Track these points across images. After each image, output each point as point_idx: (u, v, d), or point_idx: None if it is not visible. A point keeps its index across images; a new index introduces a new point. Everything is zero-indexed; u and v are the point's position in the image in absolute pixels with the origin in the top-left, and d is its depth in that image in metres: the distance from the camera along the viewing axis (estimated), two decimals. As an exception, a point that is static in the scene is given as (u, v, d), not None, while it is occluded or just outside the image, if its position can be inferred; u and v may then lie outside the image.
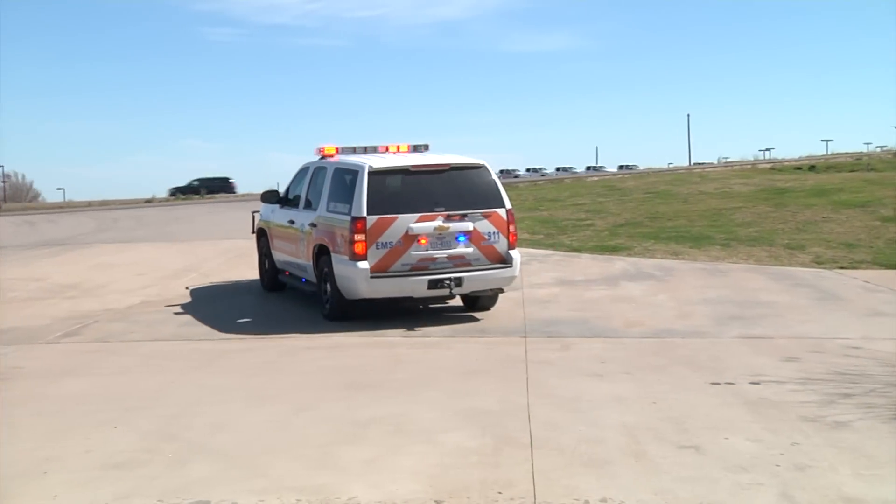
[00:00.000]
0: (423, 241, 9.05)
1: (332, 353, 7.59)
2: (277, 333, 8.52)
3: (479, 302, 9.83)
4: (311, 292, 10.15)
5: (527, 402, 5.81)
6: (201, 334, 8.58)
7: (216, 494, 4.30)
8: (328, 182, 10.11)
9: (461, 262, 9.21)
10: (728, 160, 78.43)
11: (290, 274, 11.09)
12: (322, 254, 9.68)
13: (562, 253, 14.46)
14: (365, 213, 9.01)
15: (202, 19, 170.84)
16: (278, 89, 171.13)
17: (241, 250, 15.74)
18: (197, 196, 53.18)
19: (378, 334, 8.37)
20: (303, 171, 11.35)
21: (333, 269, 9.28)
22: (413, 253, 9.07)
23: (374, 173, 9.29)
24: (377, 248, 9.01)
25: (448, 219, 9.16)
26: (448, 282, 9.03)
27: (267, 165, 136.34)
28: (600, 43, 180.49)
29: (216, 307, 10.27)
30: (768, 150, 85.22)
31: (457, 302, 9.93)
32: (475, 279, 9.22)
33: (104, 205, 45.78)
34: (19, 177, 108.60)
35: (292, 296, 10.96)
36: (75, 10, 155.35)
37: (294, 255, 10.78)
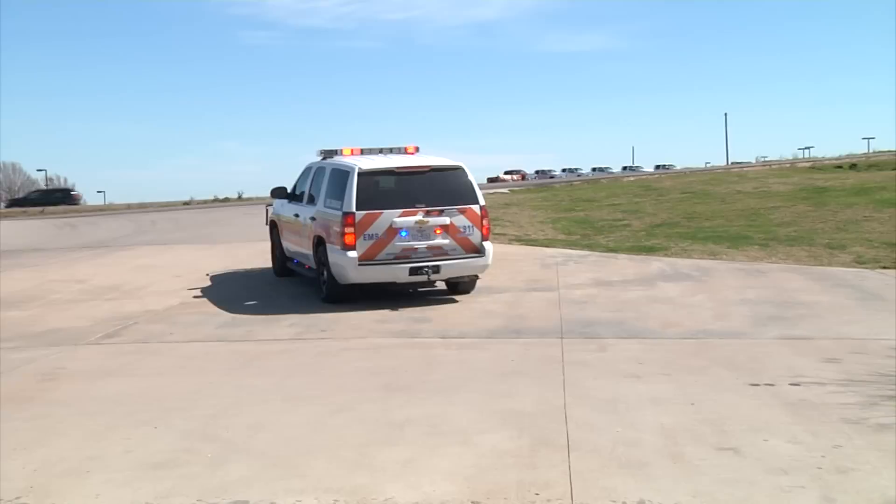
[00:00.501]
0: (401, 234, 10.35)
1: (369, 355, 7.62)
2: (313, 336, 8.57)
3: (458, 287, 11.15)
4: (312, 278, 11.42)
5: (563, 403, 5.79)
6: (239, 335, 8.66)
7: (254, 494, 4.33)
8: (326, 180, 11.42)
9: (439, 252, 10.50)
10: (766, 159, 77.47)
11: (297, 262, 12.53)
12: (320, 244, 10.96)
13: (598, 253, 14.38)
14: (354, 209, 10.28)
15: (239, 23, 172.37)
16: (315, 91, 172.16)
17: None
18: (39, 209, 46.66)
19: (414, 335, 8.38)
20: (307, 171, 12.71)
21: (328, 257, 10.63)
22: (396, 243, 10.36)
23: (363, 174, 10.57)
24: (364, 240, 10.28)
25: (427, 214, 10.44)
26: (427, 269, 10.34)
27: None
28: (637, 43, 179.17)
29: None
30: (808, 148, 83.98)
31: (441, 286, 11.18)
32: (451, 267, 10.56)
33: (143, 207, 46.34)
34: (61, 180, 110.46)
35: (299, 282, 12.20)
36: (115, 15, 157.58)
37: (299, 245, 12.27)
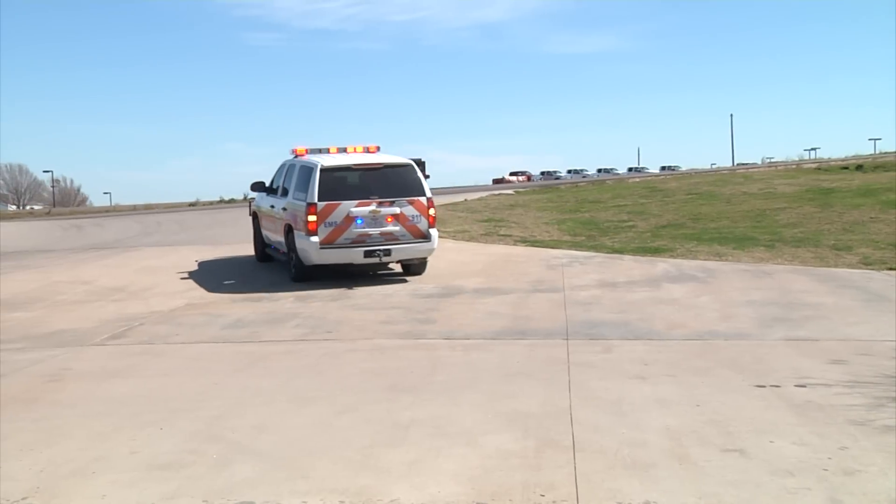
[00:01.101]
0: (357, 222, 12.15)
1: (373, 356, 7.62)
2: (318, 337, 8.57)
3: (411, 269, 13.04)
4: (284, 261, 13.35)
5: (569, 405, 5.79)
6: (244, 336, 8.67)
7: (259, 495, 4.33)
8: (295, 176, 13.19)
9: (390, 237, 12.27)
10: (772, 160, 77.38)
11: (273, 248, 14.40)
12: (290, 231, 12.79)
13: (603, 255, 14.37)
14: (316, 200, 12.06)
15: (244, 24, 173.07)
16: (320, 93, 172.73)
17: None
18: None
19: (419, 336, 8.38)
20: (281, 167, 14.47)
21: (295, 242, 12.47)
22: (353, 230, 12.15)
23: (324, 170, 12.35)
24: (325, 226, 12.06)
25: (380, 204, 12.22)
26: (379, 252, 12.15)
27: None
28: (642, 44, 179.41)
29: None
30: (814, 149, 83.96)
31: (397, 267, 13.29)
32: (401, 251, 12.38)
33: (148, 208, 46.44)
34: (68, 181, 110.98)
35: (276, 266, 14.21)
36: (122, 17, 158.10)
37: (274, 232, 14.01)
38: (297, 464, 4.81)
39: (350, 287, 10.99)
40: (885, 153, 63.66)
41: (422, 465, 4.72)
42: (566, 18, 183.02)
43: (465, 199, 29.72)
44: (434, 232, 12.58)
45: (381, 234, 12.24)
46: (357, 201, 12.19)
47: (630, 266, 12.87)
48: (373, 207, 12.20)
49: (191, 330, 9.13)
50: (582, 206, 24.99)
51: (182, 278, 13.32)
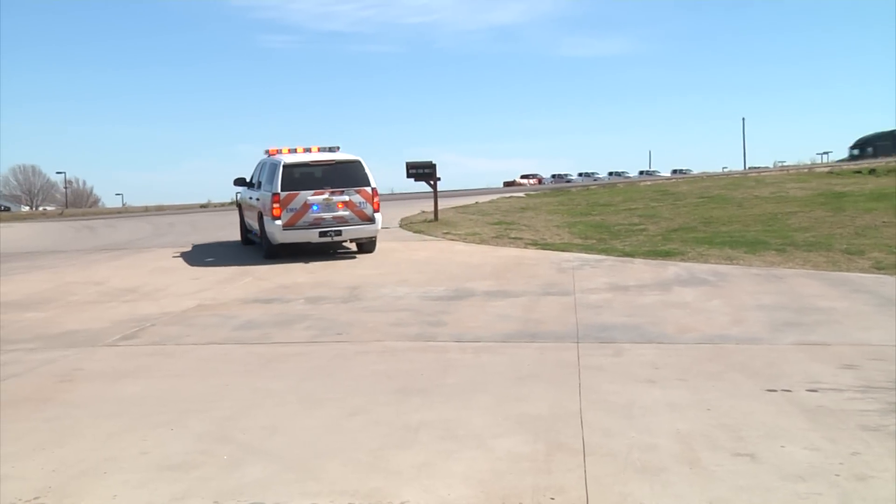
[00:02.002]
0: (312, 208, 15.05)
1: (384, 358, 7.63)
2: (329, 339, 8.59)
3: (363, 247, 16.16)
4: (259, 243, 16.37)
5: (579, 408, 5.78)
6: (255, 338, 8.69)
7: (270, 497, 4.35)
8: (266, 171, 16.19)
9: (341, 220, 15.21)
10: (784, 164, 77.12)
11: (253, 234, 17.21)
12: (261, 217, 15.72)
13: (614, 258, 14.34)
14: (280, 190, 14.99)
15: (259, 26, 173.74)
16: (333, 95, 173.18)
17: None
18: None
19: (430, 339, 8.38)
20: (258, 165, 17.70)
21: (264, 226, 15.46)
22: (310, 215, 15.08)
23: (286, 166, 15.32)
24: (287, 212, 14.99)
25: (332, 193, 15.21)
26: (331, 233, 15.13)
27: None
28: (655, 47, 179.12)
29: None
30: (826, 153, 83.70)
31: (352, 247, 16.56)
32: (350, 231, 15.36)
33: (160, 210, 46.60)
34: (80, 182, 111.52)
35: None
36: (136, 17, 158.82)
37: (252, 220, 16.97)
38: (307, 465, 4.82)
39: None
40: (899, 157, 63.23)
41: (432, 467, 4.73)
42: (579, 22, 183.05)
43: (476, 202, 29.73)
44: (378, 216, 15.57)
45: (334, 217, 15.19)
46: (313, 191, 15.15)
47: (641, 269, 12.84)
48: (326, 196, 15.17)
49: (202, 331, 9.16)
50: (593, 210, 24.96)
51: (193, 279, 13.36)
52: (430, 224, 21.32)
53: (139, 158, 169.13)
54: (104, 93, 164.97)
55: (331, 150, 16.60)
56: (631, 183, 51.12)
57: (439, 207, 22.90)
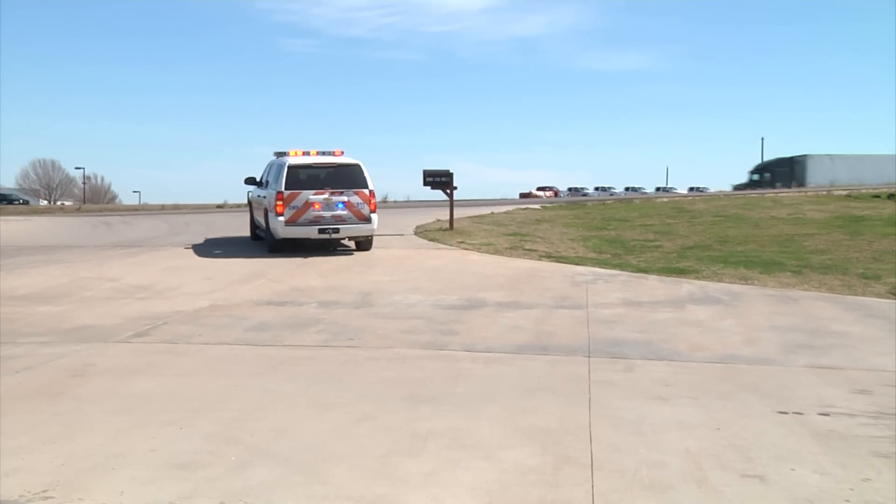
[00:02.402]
0: (316, 206, 16.39)
1: (394, 365, 7.63)
2: (340, 344, 8.59)
3: (360, 245, 17.38)
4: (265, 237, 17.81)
5: (588, 423, 5.76)
6: (266, 340, 8.71)
7: (276, 499, 4.35)
8: (272, 172, 17.62)
9: (340, 219, 16.44)
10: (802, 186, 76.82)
11: (261, 229, 18.62)
12: (266, 214, 17.15)
13: (628, 273, 14.30)
14: (283, 189, 16.31)
15: (280, 30, 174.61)
16: (351, 100, 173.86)
17: (308, 257, 16.00)
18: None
19: (441, 347, 8.38)
20: (267, 165, 18.92)
21: (269, 221, 16.84)
22: (311, 213, 16.35)
23: (291, 167, 16.63)
24: (290, 209, 16.28)
25: (332, 194, 16.48)
26: (329, 230, 16.36)
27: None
28: (676, 63, 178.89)
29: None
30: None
31: (351, 245, 17.90)
32: (347, 230, 16.60)
33: (177, 208, 46.78)
34: (98, 179, 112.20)
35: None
36: (158, 18, 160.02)
37: (260, 216, 18.35)
38: (314, 469, 4.82)
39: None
40: (919, 183, 62.83)
41: (439, 476, 4.72)
42: (601, 36, 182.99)
43: (492, 212, 29.73)
44: (374, 216, 16.78)
45: (332, 216, 16.43)
46: (314, 190, 16.44)
47: (654, 286, 12.80)
48: (326, 196, 16.45)
49: (214, 331, 9.19)
50: (608, 224, 24.91)
51: (207, 279, 13.41)
52: (445, 233, 21.32)
53: (157, 157, 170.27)
54: (125, 90, 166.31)
55: (333, 153, 17.66)
56: (647, 199, 51.00)
57: (455, 216, 22.91)
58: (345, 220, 16.46)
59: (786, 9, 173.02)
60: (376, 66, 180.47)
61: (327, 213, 16.36)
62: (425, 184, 22.02)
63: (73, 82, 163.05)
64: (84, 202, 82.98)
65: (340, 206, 16.40)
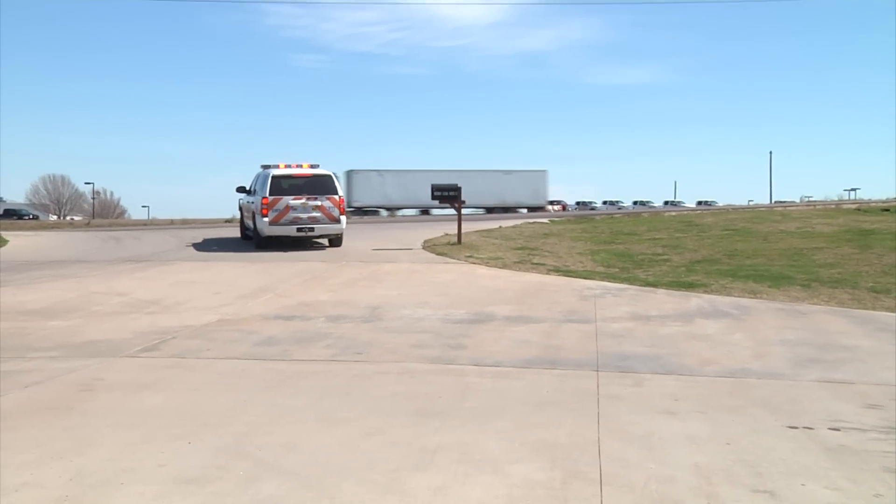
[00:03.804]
0: (295, 210, 20.39)
1: (402, 379, 7.62)
2: (348, 358, 8.59)
3: (333, 242, 21.43)
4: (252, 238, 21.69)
5: (597, 437, 5.75)
6: (275, 354, 8.71)
7: (285, 514, 4.34)
8: (259, 181, 21.63)
9: (314, 220, 20.60)
10: (811, 199, 76.66)
11: (249, 229, 22.67)
12: (253, 217, 21.27)
13: (637, 287, 14.27)
14: (268, 195, 20.42)
15: (290, 45, 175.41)
16: (360, 115, 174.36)
17: (316, 272, 16.02)
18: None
19: (449, 361, 8.37)
20: (255, 176, 22.75)
21: (256, 222, 21.00)
22: (290, 215, 20.43)
23: (274, 177, 20.87)
24: (273, 212, 20.39)
25: (308, 199, 20.58)
26: (306, 229, 20.48)
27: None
28: (684, 78, 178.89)
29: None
30: (854, 189, 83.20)
31: (324, 242, 21.78)
32: (321, 229, 20.78)
33: (185, 223, 46.89)
34: (108, 193, 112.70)
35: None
36: (168, 33, 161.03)
37: (249, 219, 22.50)
38: (323, 484, 4.82)
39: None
40: (928, 196, 62.65)
41: (447, 491, 4.71)
42: (608, 50, 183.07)
43: (500, 226, 29.72)
44: (343, 218, 21.05)
45: (308, 217, 20.54)
46: (293, 196, 20.53)
47: (663, 300, 12.77)
48: (303, 201, 20.55)
49: (222, 346, 9.20)
50: (616, 238, 24.86)
51: (215, 293, 13.43)
52: (453, 247, 21.32)
53: (167, 171, 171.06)
54: (135, 105, 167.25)
55: (311, 165, 21.63)
56: (655, 212, 50.94)
57: (463, 230, 22.91)
58: (318, 221, 20.63)
59: (793, 22, 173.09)
60: (385, 80, 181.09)
61: (304, 215, 20.50)
62: (434, 197, 22.53)
63: (82, 97, 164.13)
64: (93, 217, 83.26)
65: (315, 209, 20.55)
